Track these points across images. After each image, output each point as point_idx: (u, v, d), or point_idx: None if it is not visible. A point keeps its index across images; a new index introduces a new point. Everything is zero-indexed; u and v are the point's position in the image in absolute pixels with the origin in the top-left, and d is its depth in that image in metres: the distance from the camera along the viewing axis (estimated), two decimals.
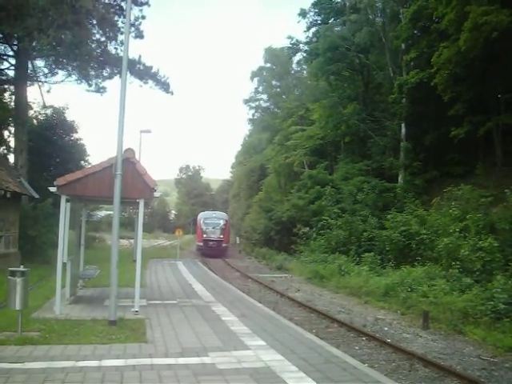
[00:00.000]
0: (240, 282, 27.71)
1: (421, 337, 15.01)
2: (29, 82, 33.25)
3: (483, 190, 25.44)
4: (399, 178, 36.49)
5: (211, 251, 49.31)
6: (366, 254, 27.38)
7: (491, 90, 28.95)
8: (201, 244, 51.32)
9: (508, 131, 28.09)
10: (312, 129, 50.38)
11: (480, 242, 19.97)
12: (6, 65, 33.59)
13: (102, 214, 58.55)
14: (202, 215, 56.53)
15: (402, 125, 37.05)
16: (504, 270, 18.28)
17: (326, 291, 24.53)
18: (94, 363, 8.71)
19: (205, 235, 51.09)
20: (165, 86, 36.65)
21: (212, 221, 53.02)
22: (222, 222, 52.87)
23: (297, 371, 8.54)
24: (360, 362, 10.03)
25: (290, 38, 57.09)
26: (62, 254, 13.07)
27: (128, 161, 13.26)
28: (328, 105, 44.79)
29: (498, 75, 27.26)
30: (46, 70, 35.48)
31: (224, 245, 51.76)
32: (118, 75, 32.55)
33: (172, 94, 37.27)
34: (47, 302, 14.99)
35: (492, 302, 15.64)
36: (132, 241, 39.15)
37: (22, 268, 10.98)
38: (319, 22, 51.19)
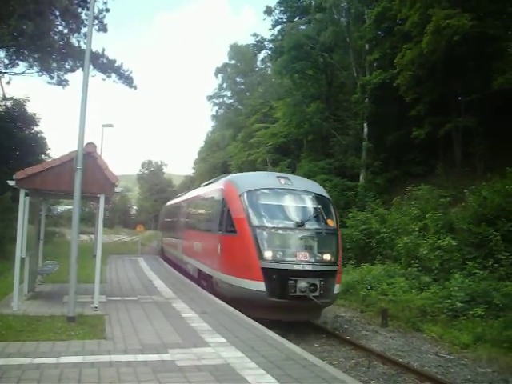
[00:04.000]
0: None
1: (380, 334, 15.23)
2: None
3: (443, 190, 25.83)
4: (361, 177, 36.79)
5: (296, 312, 15.18)
6: None
7: (452, 92, 29.40)
8: (255, 282, 14.90)
9: (467, 133, 28.56)
10: (275, 126, 50.50)
11: (439, 241, 20.32)
12: None
13: (62, 208, 57.40)
14: (237, 183, 17.71)
15: (365, 124, 37.36)
16: (461, 269, 18.63)
17: None
18: (51, 360, 8.59)
19: (268, 254, 15.05)
20: (128, 81, 36.28)
21: (290, 202, 16.64)
22: (318, 208, 16.71)
23: (257, 368, 8.56)
24: (320, 358, 10.10)
25: (255, 35, 56.94)
26: (20, 248, 12.86)
27: (89, 155, 13.10)
28: (291, 103, 44.89)
29: (459, 78, 27.70)
30: (6, 61, 34.85)
31: (337, 287, 15.90)
32: (81, 68, 32.08)
33: (135, 88, 36.95)
34: (4, 297, 14.73)
35: (450, 301, 15.96)
36: (92, 236, 38.71)
37: None
38: (285, 20, 51.21)
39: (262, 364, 8.82)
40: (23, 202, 12.97)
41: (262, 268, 14.63)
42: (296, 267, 14.65)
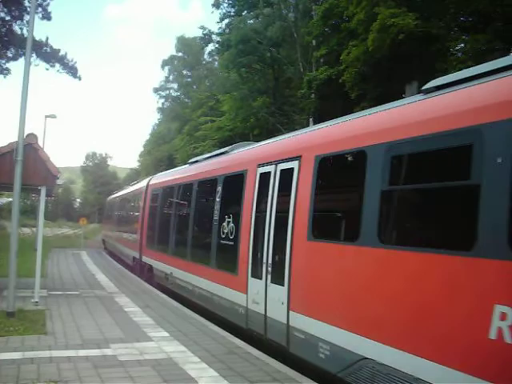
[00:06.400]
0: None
1: None
2: None
3: None
4: None
5: None
6: None
7: (396, 89, 29.88)
8: None
9: None
10: (221, 120, 50.44)
11: None
12: None
13: (3, 200, 56.22)
14: None
15: (310, 119, 37.58)
16: None
17: None
18: None
19: None
20: (72, 71, 35.65)
21: None
22: None
23: (199, 362, 8.59)
24: (262, 352, 10.17)
25: (202, 28, 56.48)
26: None
27: (30, 146, 12.85)
28: (238, 97, 44.86)
29: (403, 75, 28.17)
30: None
31: None
32: (24, 56, 31.44)
33: (80, 79, 36.35)
34: None
35: None
36: (34, 229, 37.99)
37: None
38: (232, 13, 51.08)
39: (204, 358, 8.85)
40: None
41: None
42: None
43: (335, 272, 8.38)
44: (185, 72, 78.75)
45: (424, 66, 26.80)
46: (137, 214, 25.37)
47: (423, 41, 25.62)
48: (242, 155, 13.38)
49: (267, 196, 10.62)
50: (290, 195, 9.71)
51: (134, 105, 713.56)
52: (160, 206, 20.34)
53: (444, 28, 25.57)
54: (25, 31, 32.28)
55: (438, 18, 25.96)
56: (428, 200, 7.31)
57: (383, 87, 29.38)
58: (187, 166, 18.84)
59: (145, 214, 22.67)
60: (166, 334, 10.62)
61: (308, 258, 9.12)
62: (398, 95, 30.17)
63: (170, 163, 72.78)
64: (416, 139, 7.13)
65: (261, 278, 10.33)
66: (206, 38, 57.87)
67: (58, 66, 34.97)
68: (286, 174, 10.01)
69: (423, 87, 7.95)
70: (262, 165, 11.14)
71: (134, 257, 24.34)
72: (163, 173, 24.16)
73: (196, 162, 17.50)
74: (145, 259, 21.63)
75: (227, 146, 16.52)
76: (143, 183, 25.32)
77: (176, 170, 20.95)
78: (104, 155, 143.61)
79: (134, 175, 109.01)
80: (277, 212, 10.23)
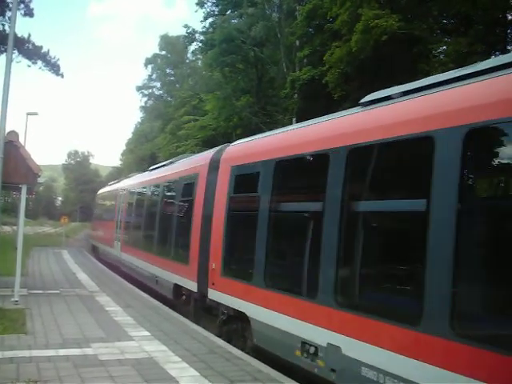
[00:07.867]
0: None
1: None
2: None
3: None
4: None
5: None
6: None
7: (379, 90, 30.05)
8: None
9: None
10: (204, 119, 50.36)
11: None
12: None
13: None
14: None
15: (293, 119, 37.57)
16: None
17: None
18: None
19: None
20: (55, 68, 35.45)
21: None
22: None
23: (180, 362, 8.60)
24: (243, 352, 10.19)
25: (186, 26, 56.33)
26: None
27: (11, 144, 12.77)
28: (221, 96, 44.86)
29: (386, 76, 28.29)
30: None
31: None
32: (5, 53, 31.19)
33: (62, 76, 36.17)
34: None
35: None
36: (15, 227, 37.71)
37: None
38: (216, 12, 51.07)
39: (185, 357, 8.85)
40: None
41: None
42: None
43: None
44: (168, 71, 78.73)
45: (406, 67, 26.97)
46: (181, 211, 15.51)
47: (406, 42, 25.80)
48: None
49: None
50: None
51: (117, 103, 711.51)
52: (275, 194, 9.79)
53: (427, 30, 25.76)
54: (6, 27, 32.06)
55: (420, 19, 26.14)
56: None
57: (366, 88, 29.50)
58: (352, 112, 9.42)
59: (214, 212, 12.10)
60: (147, 334, 10.61)
61: None
62: None
63: (153, 161, 72.53)
64: None
65: None
66: (190, 37, 57.78)
67: (40, 63, 34.80)
68: None
69: None
70: None
71: (177, 285, 14.59)
72: (256, 137, 12.69)
73: (386, 98, 8.63)
74: (219, 297, 11.21)
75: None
76: (198, 160, 15.09)
77: (307, 126, 10.21)
78: (86, 153, 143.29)
79: (116, 173, 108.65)
80: None
